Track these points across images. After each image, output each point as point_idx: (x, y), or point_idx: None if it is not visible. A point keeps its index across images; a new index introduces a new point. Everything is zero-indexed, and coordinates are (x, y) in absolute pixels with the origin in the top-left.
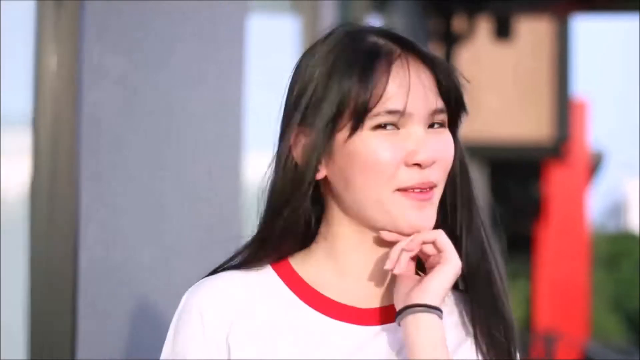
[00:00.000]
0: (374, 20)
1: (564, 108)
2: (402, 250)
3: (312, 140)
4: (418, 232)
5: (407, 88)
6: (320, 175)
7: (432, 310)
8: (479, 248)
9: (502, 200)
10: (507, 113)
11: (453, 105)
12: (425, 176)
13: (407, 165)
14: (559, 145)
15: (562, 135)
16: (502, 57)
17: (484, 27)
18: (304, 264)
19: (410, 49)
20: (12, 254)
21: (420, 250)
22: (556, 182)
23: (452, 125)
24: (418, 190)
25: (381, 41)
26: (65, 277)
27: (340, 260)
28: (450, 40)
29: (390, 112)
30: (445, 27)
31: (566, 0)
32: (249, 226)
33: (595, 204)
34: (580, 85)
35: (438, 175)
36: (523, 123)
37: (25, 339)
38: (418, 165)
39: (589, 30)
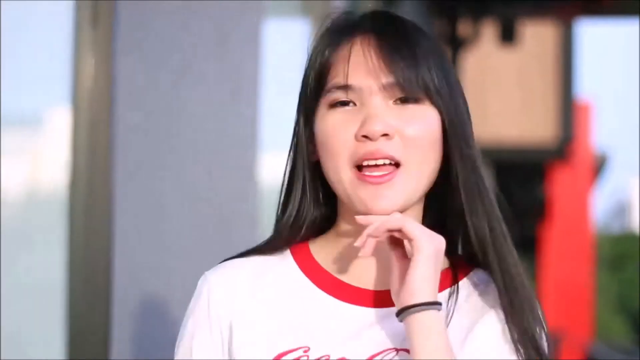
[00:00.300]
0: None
1: (568, 110)
2: (368, 235)
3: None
4: (377, 214)
5: (356, 64)
6: (315, 156)
7: (426, 307)
8: (486, 230)
9: (507, 201)
10: (512, 115)
11: (417, 81)
12: (375, 147)
13: (357, 138)
14: (563, 147)
15: (566, 136)
16: (507, 60)
17: (489, 31)
18: (322, 249)
19: (379, 27)
20: (50, 256)
21: (394, 236)
22: (560, 183)
23: (436, 104)
24: (374, 166)
25: (356, 20)
26: (101, 279)
27: (349, 243)
28: (456, 43)
29: (338, 88)
30: (451, 31)
31: (570, 5)
32: (268, 225)
33: (600, 204)
34: (584, 88)
35: (399, 151)
36: (527, 125)
37: (63, 339)
38: (367, 137)
39: (592, 34)
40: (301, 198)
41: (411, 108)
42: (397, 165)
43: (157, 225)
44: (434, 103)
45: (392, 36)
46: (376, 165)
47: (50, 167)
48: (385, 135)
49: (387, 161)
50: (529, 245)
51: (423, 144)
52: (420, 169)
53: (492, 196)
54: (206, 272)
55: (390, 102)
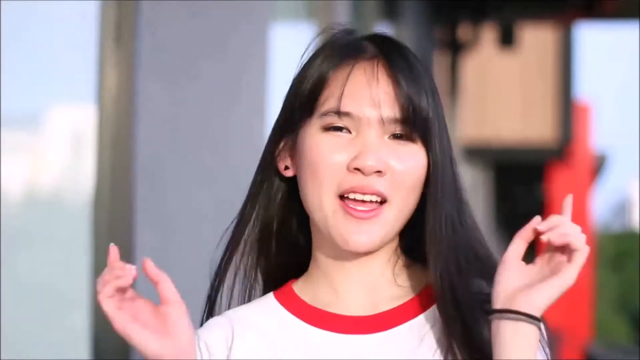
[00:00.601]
0: (383, 27)
1: (567, 111)
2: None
3: (272, 131)
4: (353, 249)
5: (357, 90)
6: (289, 172)
7: (534, 321)
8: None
9: (507, 202)
10: (512, 116)
11: (415, 120)
12: (366, 182)
13: (348, 169)
14: (563, 148)
15: (565, 137)
16: (507, 63)
17: (489, 35)
18: (305, 286)
19: (385, 54)
20: (76, 258)
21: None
22: (560, 183)
23: (427, 143)
24: (360, 201)
25: (360, 42)
26: None
27: (329, 273)
28: (456, 47)
29: (335, 112)
30: (451, 35)
31: (570, 8)
32: None
33: (600, 204)
34: (584, 89)
35: (388, 188)
36: (527, 126)
37: (89, 340)
38: (360, 170)
39: (592, 37)
40: (266, 219)
41: (405, 145)
42: (382, 201)
43: (176, 234)
44: (425, 144)
45: (397, 68)
46: (362, 201)
47: (50, 167)
48: (378, 172)
49: (375, 197)
50: (528, 245)
51: (411, 183)
52: (404, 207)
53: (469, 232)
54: (198, 331)
55: (386, 136)
